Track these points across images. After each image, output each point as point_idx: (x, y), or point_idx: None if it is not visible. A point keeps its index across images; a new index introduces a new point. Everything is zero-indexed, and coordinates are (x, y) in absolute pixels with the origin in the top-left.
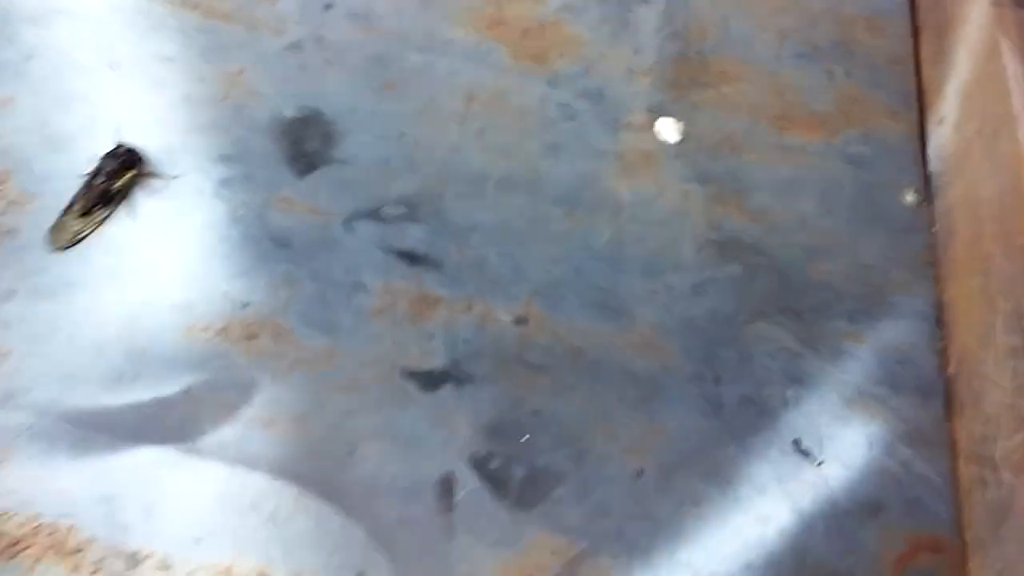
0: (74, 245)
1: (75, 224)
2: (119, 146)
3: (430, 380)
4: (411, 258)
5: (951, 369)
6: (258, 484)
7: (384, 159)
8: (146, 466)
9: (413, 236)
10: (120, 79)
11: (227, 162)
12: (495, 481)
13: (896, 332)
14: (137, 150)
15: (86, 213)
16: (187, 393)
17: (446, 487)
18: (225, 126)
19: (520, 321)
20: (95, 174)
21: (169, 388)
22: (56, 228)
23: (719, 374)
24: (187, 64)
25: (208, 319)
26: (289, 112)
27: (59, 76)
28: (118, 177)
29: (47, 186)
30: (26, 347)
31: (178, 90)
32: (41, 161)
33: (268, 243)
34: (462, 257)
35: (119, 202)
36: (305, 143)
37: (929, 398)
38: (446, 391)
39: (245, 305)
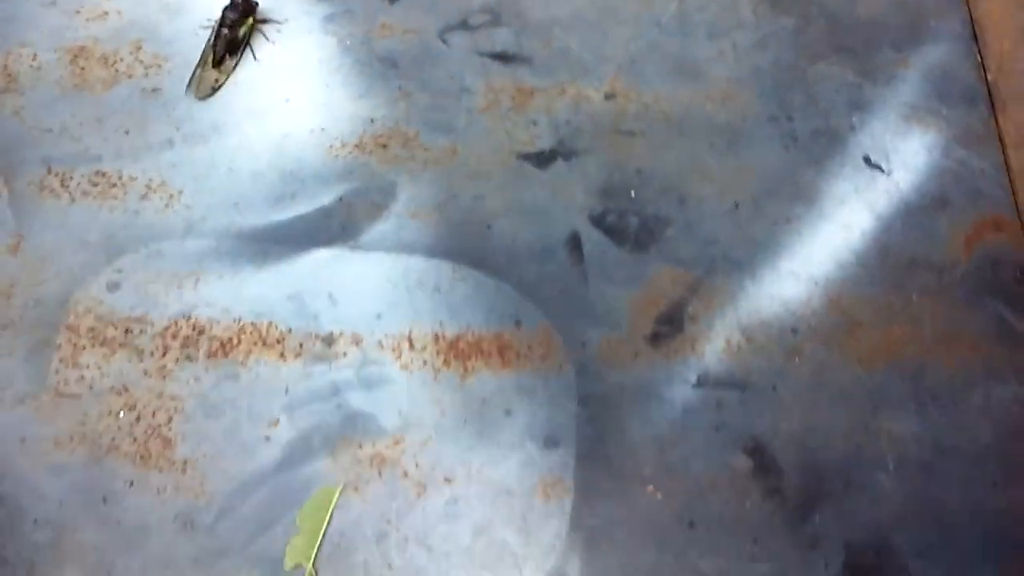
0: (214, 93)
1: (211, 74)
2: None
3: (542, 159)
4: (503, 58)
5: (991, 76)
6: (418, 265)
7: None
8: (321, 264)
9: (501, 39)
10: None
11: (327, 2)
12: (614, 232)
13: (938, 52)
14: None
15: (219, 63)
16: (341, 200)
17: (574, 243)
18: None
19: (609, 97)
20: (220, 26)
21: (324, 199)
22: (195, 81)
23: (791, 113)
24: None
25: (343, 137)
26: None
27: None
28: (240, 26)
29: (176, 47)
30: (194, 185)
31: None
32: (166, 26)
33: (378, 65)
34: (548, 50)
35: (244, 49)
36: None
37: (975, 103)
38: (557, 165)
39: (372, 121)
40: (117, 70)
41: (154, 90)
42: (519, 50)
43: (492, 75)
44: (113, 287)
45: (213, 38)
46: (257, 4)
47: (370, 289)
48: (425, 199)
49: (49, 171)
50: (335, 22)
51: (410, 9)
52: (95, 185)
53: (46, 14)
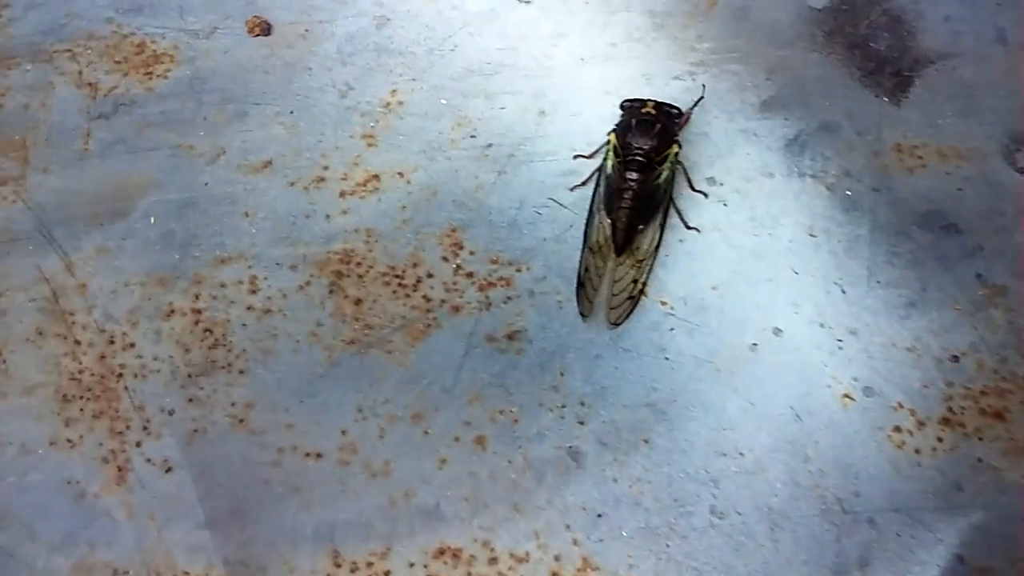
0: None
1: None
2: None
3: None
4: None
5: None
6: None
7: None
8: None
9: None
10: None
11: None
12: None
13: None
14: None
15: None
16: None
17: None
18: None
19: None
20: (621, 166)
21: None
22: (590, 293)
23: None
24: None
25: None
26: None
27: None
28: (657, 164)
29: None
30: None
31: None
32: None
33: None
34: None
35: (667, 212)
36: None
37: None
38: None
39: None
40: None
41: None
42: None
43: None
44: None
45: (602, 190)
46: (682, 115)
47: None
48: None
49: None
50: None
51: None
52: None
53: None
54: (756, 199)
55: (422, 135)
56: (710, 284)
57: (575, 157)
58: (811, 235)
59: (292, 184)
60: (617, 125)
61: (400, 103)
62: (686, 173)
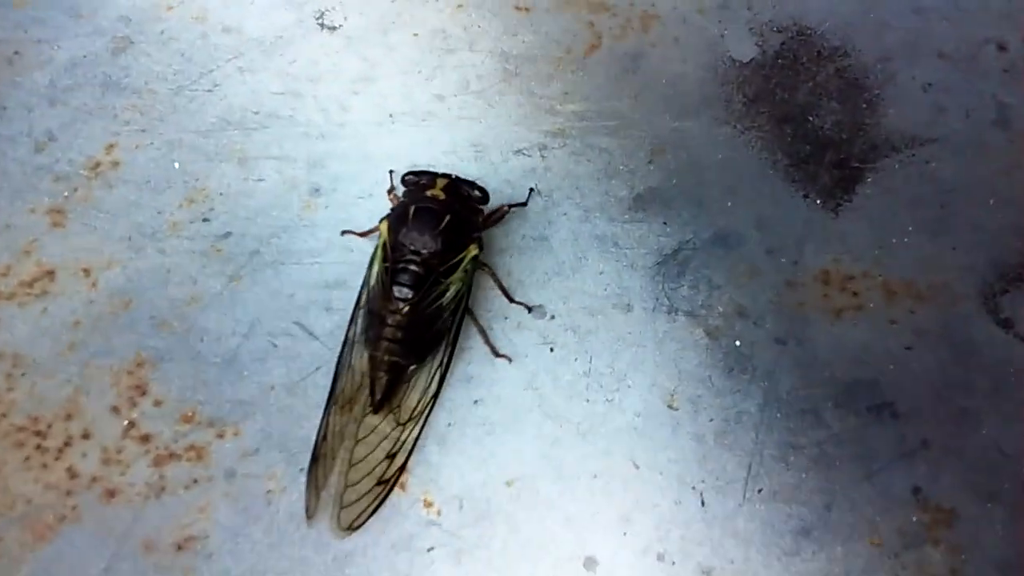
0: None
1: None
2: None
3: None
4: None
5: None
6: None
7: None
8: None
9: None
10: None
11: None
12: None
13: None
14: None
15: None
16: None
17: None
18: None
19: None
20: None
21: None
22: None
23: None
24: None
25: None
26: None
27: None
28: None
29: None
30: None
31: None
32: None
33: None
34: None
35: (453, 347)
36: None
37: None
38: None
39: None
40: None
41: None
42: None
43: None
44: None
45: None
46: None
47: None
48: None
49: None
50: None
51: None
52: None
53: None
54: (599, 343)
55: (133, 213)
56: (504, 477)
57: (343, 233)
58: (670, 407)
59: None
60: (392, 210)
61: (115, 163)
62: (497, 280)
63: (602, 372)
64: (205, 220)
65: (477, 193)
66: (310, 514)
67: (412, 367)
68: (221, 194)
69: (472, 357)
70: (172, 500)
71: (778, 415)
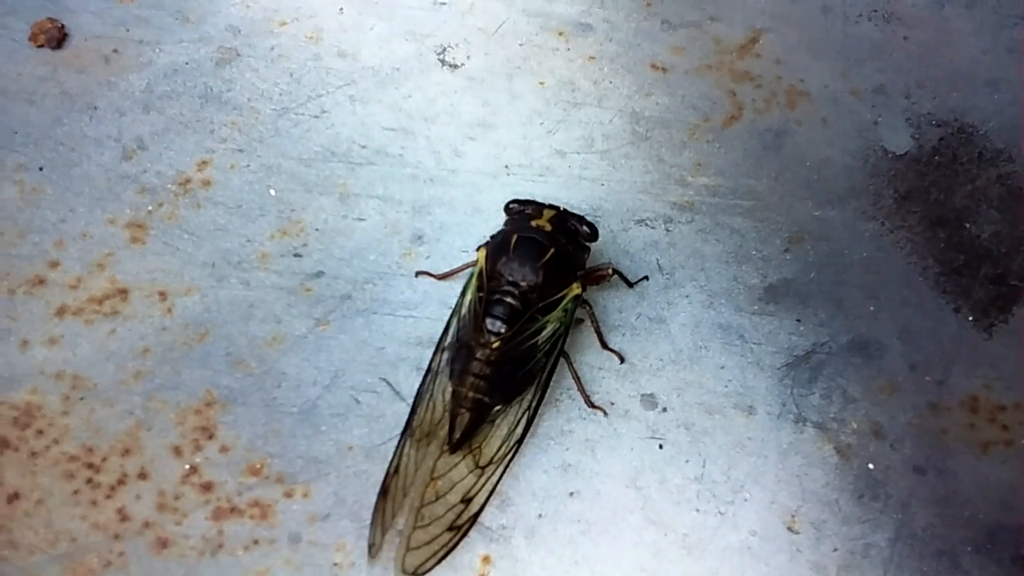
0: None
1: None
2: None
3: None
4: None
5: None
6: None
7: None
8: None
9: None
10: None
11: None
12: None
13: None
14: None
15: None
16: None
17: None
18: None
19: None
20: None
21: None
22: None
23: None
24: None
25: None
26: None
27: None
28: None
29: None
30: None
31: None
32: None
33: None
34: None
35: (542, 397)
36: None
37: None
38: None
39: None
40: None
41: None
42: None
43: None
44: None
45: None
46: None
47: None
48: None
49: None
50: None
51: None
52: None
53: None
54: (715, 446)
55: (220, 238)
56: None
57: (417, 274)
58: (790, 529)
59: None
60: (491, 238)
61: (206, 182)
62: (595, 322)
63: (716, 480)
64: (297, 255)
65: (586, 229)
66: (373, 553)
67: (497, 407)
68: (317, 229)
69: (570, 443)
70: (228, 561)
71: (911, 553)
